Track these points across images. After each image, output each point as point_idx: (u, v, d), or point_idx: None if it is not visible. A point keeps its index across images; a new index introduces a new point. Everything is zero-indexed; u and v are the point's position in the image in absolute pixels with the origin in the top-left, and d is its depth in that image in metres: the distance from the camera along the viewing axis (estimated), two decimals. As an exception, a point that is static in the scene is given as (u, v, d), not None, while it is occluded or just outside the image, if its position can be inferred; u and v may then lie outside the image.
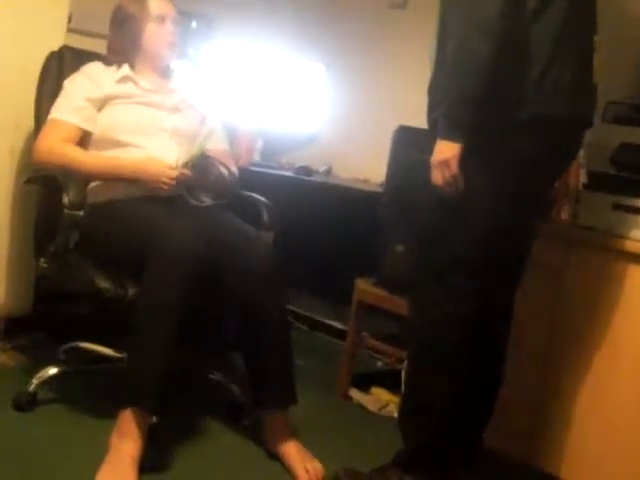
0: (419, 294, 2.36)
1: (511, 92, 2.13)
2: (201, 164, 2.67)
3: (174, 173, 2.59)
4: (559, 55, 2.15)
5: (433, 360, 2.28)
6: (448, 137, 2.13)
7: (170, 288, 2.32)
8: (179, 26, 2.87)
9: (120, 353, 2.71)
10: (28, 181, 2.71)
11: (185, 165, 2.63)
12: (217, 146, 2.91)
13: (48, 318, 3.17)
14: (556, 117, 2.18)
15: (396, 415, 2.70)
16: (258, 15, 4.15)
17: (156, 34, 2.80)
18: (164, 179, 2.59)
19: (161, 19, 2.80)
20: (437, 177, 2.17)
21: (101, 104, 2.73)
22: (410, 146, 2.96)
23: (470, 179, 2.16)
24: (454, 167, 2.13)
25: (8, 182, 3.08)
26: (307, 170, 3.85)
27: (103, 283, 2.51)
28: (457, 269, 2.22)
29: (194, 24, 4.12)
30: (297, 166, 3.88)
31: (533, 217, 2.35)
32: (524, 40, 2.12)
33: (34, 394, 2.62)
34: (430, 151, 2.18)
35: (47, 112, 2.73)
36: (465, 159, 2.12)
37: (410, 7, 3.87)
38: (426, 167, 2.20)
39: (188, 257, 2.34)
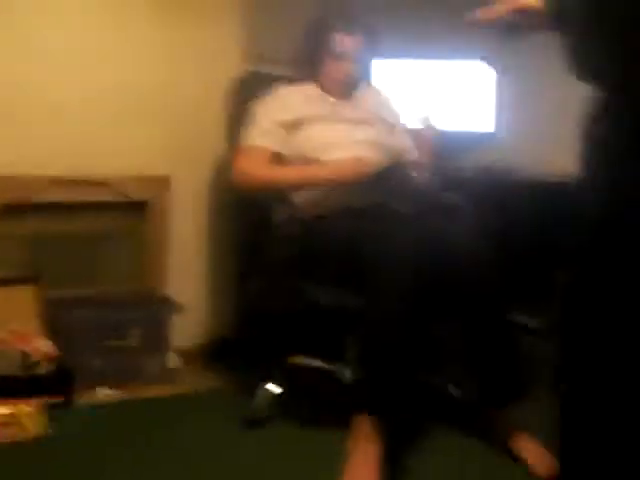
0: None
1: None
2: (397, 171, 2.72)
3: (368, 166, 2.65)
4: None
5: None
6: None
7: (394, 299, 2.36)
8: (361, 60, 2.91)
9: (333, 365, 2.78)
10: (230, 203, 2.85)
11: (382, 173, 2.67)
12: (407, 154, 2.97)
13: (255, 336, 3.24)
14: None
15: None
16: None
17: (333, 69, 2.88)
18: (358, 169, 2.64)
19: (340, 56, 2.86)
20: None
21: (292, 126, 2.82)
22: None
23: None
24: None
25: (204, 205, 3.25)
26: (491, 169, 3.79)
27: (323, 297, 2.58)
28: None
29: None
30: (481, 166, 3.83)
31: None
32: None
33: (262, 413, 2.71)
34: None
35: (237, 137, 2.85)
36: None
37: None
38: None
39: (408, 267, 2.38)
